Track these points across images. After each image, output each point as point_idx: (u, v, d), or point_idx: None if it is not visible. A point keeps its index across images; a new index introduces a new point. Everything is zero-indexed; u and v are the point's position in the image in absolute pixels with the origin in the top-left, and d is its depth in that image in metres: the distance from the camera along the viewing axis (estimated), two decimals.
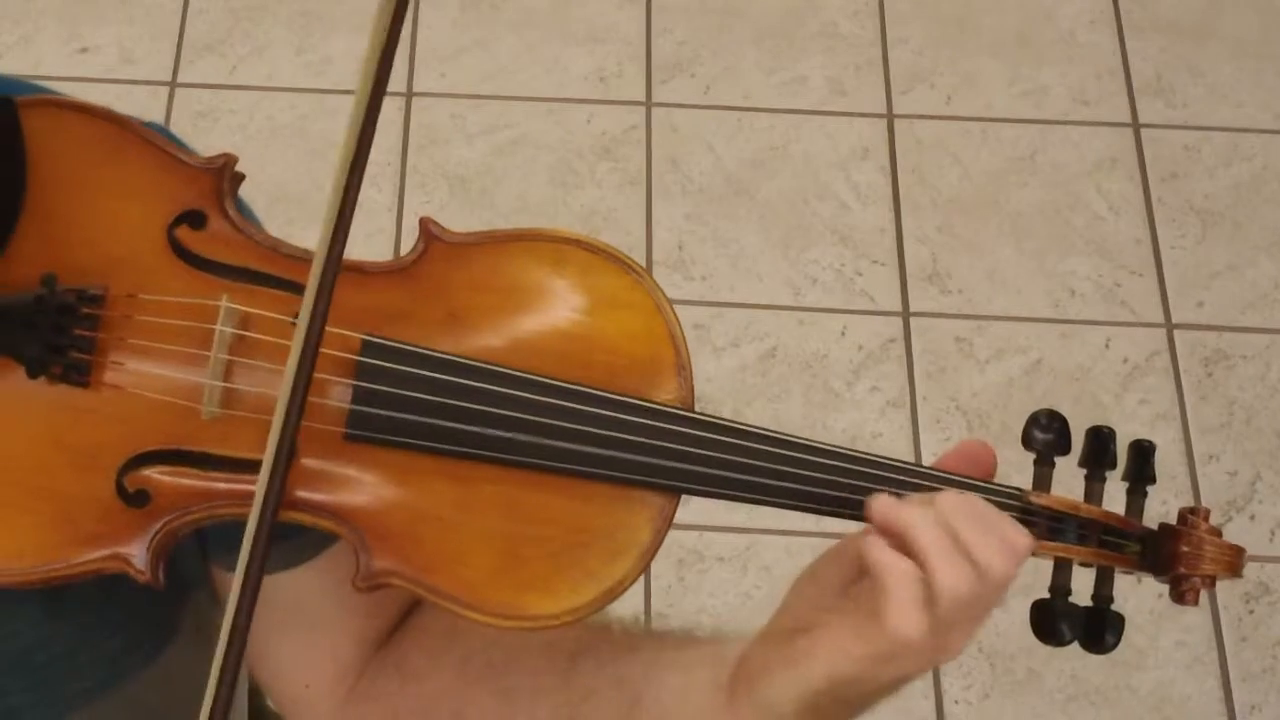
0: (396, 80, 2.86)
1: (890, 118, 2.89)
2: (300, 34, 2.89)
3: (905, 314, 2.66)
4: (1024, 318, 2.66)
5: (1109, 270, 2.72)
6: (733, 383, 2.56)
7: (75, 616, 1.00)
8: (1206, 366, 2.63)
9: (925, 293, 2.69)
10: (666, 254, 2.70)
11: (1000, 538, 0.88)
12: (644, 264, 2.68)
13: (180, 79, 2.83)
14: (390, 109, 2.81)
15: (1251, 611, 2.41)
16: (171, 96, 2.80)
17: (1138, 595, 2.41)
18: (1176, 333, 2.66)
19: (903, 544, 0.87)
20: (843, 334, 2.64)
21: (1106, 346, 2.64)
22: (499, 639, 1.02)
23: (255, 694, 1.33)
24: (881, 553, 0.87)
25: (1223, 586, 2.41)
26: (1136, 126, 2.89)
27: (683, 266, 2.69)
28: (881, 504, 0.89)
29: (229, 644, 0.84)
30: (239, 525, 0.86)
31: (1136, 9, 3.03)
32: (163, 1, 2.93)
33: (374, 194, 2.70)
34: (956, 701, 2.32)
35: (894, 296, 2.68)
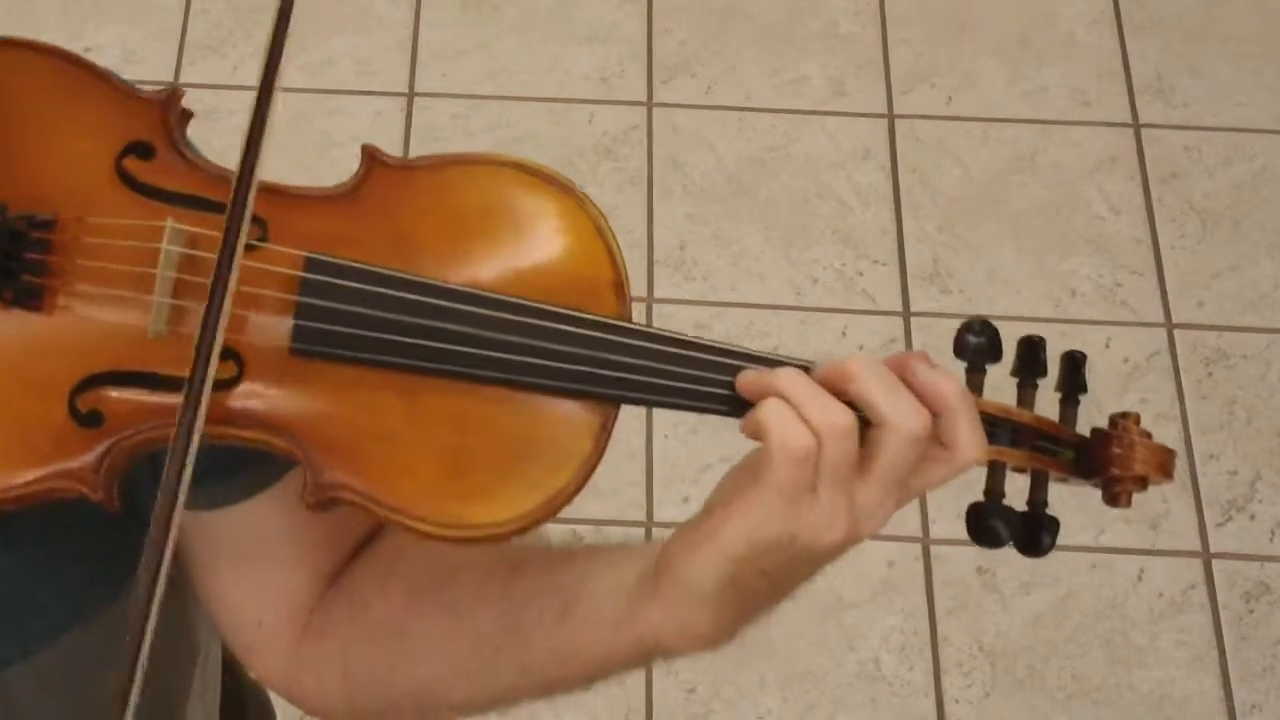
0: (398, 81, 2.87)
1: (891, 118, 2.89)
2: (300, 34, 2.89)
3: (906, 314, 2.67)
4: (1024, 317, 2.67)
5: (1109, 270, 2.72)
6: None
7: (36, 550, 1.01)
8: (1206, 366, 2.64)
9: (926, 292, 2.69)
10: (667, 254, 2.71)
11: (891, 379, 0.90)
12: (645, 264, 2.69)
13: (182, 79, 2.83)
14: (392, 109, 2.82)
15: (1251, 611, 2.41)
16: None
17: (1138, 594, 2.41)
18: (1177, 332, 2.67)
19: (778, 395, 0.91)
20: (844, 334, 2.64)
21: (1107, 346, 2.65)
22: (442, 561, 1.05)
23: (231, 666, 1.32)
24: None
25: (1222, 586, 2.42)
26: (1136, 126, 2.90)
27: (684, 266, 2.69)
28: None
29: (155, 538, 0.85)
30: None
31: (1136, 9, 3.03)
32: (165, 2, 2.93)
33: None
34: (957, 700, 2.33)
35: (895, 296, 2.68)
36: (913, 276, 2.70)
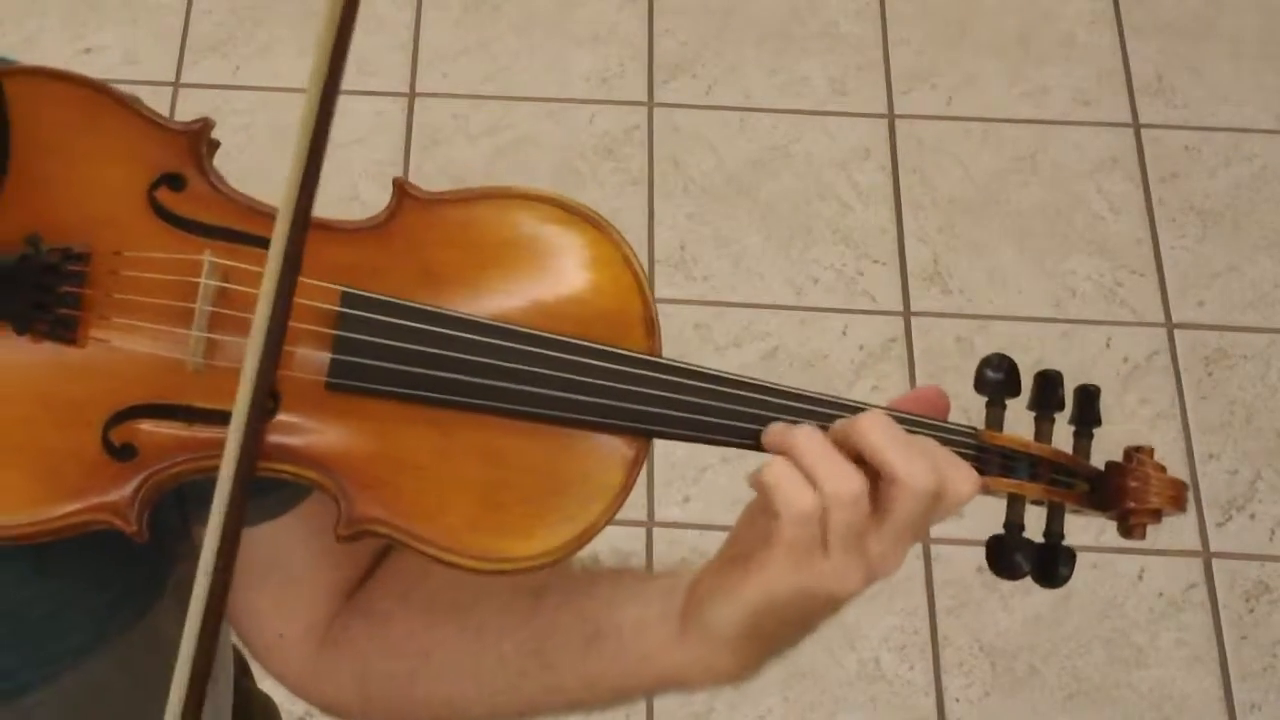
0: (399, 81, 2.87)
1: (891, 118, 2.90)
2: (303, 34, 2.89)
3: (906, 314, 2.67)
4: (1025, 317, 2.67)
5: (1109, 270, 2.73)
6: None
7: (62, 573, 1.01)
8: (1207, 366, 2.64)
9: (926, 292, 2.69)
10: (668, 254, 2.71)
11: (907, 445, 0.90)
12: (646, 264, 2.69)
13: (184, 79, 2.83)
14: (393, 109, 2.82)
15: (1251, 611, 2.41)
16: (175, 97, 2.80)
17: (1138, 594, 2.41)
18: (1177, 332, 2.67)
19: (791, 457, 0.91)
20: (844, 334, 2.64)
21: (1107, 346, 2.65)
22: (463, 582, 1.05)
23: (243, 674, 1.33)
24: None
25: (1222, 586, 2.42)
26: (1137, 126, 2.90)
27: (684, 266, 2.70)
28: (771, 428, 0.93)
29: (207, 601, 0.86)
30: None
31: (1136, 9, 3.04)
32: (166, 2, 2.94)
33: (378, 194, 2.70)
34: (957, 700, 2.33)
35: (895, 296, 2.68)
36: (913, 276, 2.71)
